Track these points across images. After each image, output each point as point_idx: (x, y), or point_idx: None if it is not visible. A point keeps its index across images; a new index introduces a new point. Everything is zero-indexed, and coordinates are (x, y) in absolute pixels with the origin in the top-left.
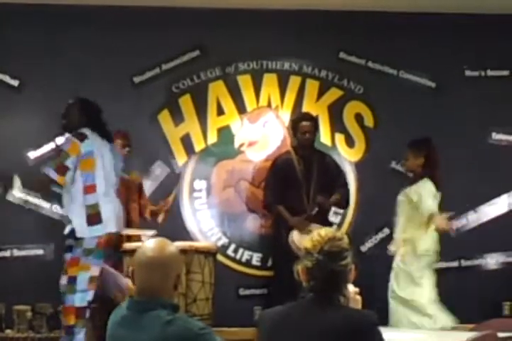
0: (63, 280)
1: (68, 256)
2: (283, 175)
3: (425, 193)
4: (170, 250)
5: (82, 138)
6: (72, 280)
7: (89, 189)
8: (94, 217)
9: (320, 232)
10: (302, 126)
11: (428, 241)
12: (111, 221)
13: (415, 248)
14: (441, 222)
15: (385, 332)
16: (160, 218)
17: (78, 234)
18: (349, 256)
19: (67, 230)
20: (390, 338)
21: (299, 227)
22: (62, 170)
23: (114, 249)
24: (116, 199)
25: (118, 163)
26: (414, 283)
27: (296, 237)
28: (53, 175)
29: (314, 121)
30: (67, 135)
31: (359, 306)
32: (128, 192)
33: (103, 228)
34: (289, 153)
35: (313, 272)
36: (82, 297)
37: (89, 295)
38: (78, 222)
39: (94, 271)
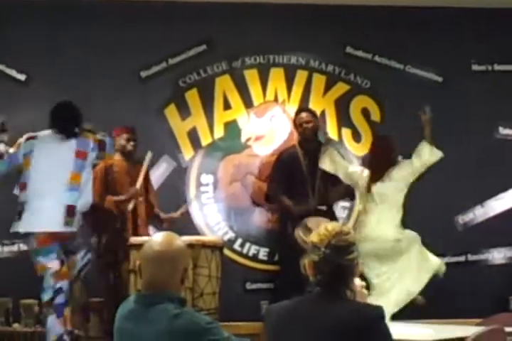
0: None
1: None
2: (287, 169)
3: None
4: (177, 244)
5: (28, 138)
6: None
7: (22, 186)
8: (19, 214)
9: (327, 226)
10: (300, 117)
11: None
12: (27, 222)
13: None
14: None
15: (392, 326)
16: (164, 225)
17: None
18: (356, 250)
19: None
20: (397, 332)
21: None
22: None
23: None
24: (58, 198)
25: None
26: None
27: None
28: None
29: (311, 112)
30: None
31: (366, 300)
32: (132, 185)
33: (18, 226)
34: (294, 147)
35: (320, 266)
36: (48, 294)
37: (57, 286)
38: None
39: (55, 266)
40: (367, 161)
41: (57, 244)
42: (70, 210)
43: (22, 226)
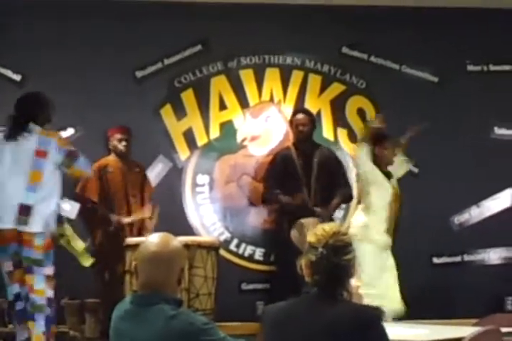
0: None
1: None
2: (283, 170)
3: None
4: (174, 244)
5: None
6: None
7: None
8: None
9: (324, 227)
10: (296, 119)
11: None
12: None
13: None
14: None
15: (388, 327)
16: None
17: None
18: (353, 251)
19: None
20: (393, 333)
21: (297, 206)
22: None
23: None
24: (22, 195)
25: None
26: None
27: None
28: None
29: (309, 114)
30: None
31: (361, 301)
32: (127, 186)
33: None
34: (289, 148)
35: (317, 266)
36: (9, 292)
37: (15, 289)
38: None
39: (8, 266)
40: None
41: (11, 244)
42: (24, 209)
43: None
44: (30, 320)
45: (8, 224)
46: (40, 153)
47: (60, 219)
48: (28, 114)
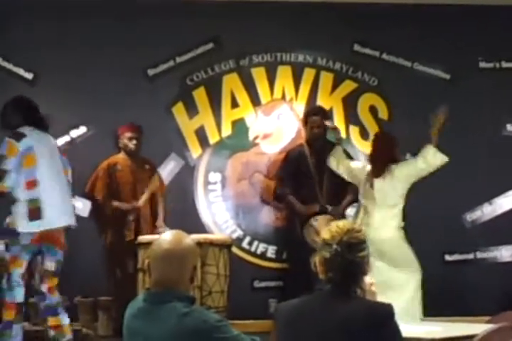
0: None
1: (7, 254)
2: (295, 168)
3: None
4: (186, 242)
5: (19, 137)
6: (10, 277)
7: (30, 184)
8: (34, 212)
9: (338, 224)
10: (311, 120)
11: None
12: (52, 217)
13: None
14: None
15: (401, 324)
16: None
17: (19, 229)
18: (367, 248)
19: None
20: (406, 330)
21: (310, 215)
22: (0, 176)
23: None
24: (63, 192)
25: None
26: None
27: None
28: None
29: (324, 114)
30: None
31: (375, 298)
32: (136, 183)
33: (41, 224)
34: (302, 145)
35: (331, 263)
36: (19, 293)
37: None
38: (19, 217)
39: (25, 267)
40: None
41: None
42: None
43: (44, 225)
44: (52, 315)
45: (63, 222)
46: (60, 151)
47: None
48: (39, 117)
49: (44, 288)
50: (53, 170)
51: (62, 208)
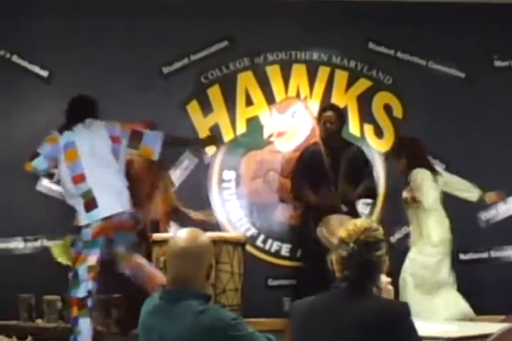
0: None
1: (73, 250)
2: (311, 166)
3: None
4: (202, 240)
5: (62, 129)
6: (76, 273)
7: (78, 178)
8: (90, 203)
9: (356, 222)
10: (325, 116)
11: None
12: (107, 205)
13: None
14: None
15: (417, 323)
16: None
17: (80, 223)
18: (384, 246)
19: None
20: (422, 329)
21: (323, 206)
22: (32, 156)
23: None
24: (115, 180)
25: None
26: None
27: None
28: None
29: (338, 111)
30: None
31: (391, 296)
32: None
33: (99, 212)
34: (317, 144)
35: (348, 262)
36: (82, 288)
37: (90, 285)
38: (79, 213)
39: (91, 260)
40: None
41: (104, 237)
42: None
43: (101, 213)
44: None
45: (120, 208)
46: (115, 140)
47: None
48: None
49: (122, 269)
50: (102, 161)
51: (116, 196)
